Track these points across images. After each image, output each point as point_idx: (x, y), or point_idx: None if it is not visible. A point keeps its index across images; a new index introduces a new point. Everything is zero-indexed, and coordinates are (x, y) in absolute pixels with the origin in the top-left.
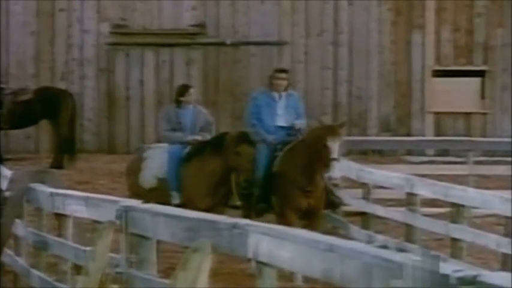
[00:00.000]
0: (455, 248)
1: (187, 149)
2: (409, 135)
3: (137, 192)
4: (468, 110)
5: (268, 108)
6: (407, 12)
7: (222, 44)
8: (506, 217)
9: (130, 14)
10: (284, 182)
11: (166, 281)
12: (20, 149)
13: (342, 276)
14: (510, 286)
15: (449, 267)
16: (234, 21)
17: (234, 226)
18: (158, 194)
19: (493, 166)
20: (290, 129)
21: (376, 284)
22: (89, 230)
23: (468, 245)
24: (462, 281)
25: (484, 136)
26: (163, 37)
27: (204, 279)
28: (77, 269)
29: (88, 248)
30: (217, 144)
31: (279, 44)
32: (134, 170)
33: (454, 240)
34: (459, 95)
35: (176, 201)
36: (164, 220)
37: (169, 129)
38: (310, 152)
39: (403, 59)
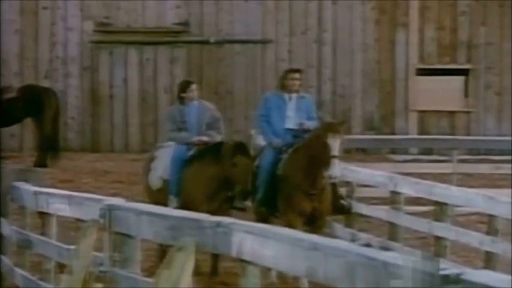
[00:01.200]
0: (438, 246)
1: (192, 151)
2: (393, 133)
3: (148, 192)
4: (452, 109)
5: (278, 110)
6: (391, 10)
7: (206, 42)
8: (490, 215)
9: (114, 12)
10: (287, 185)
11: (150, 280)
12: (4, 147)
13: (325, 275)
14: (496, 285)
15: (433, 266)
16: (217, 19)
17: (218, 225)
18: (165, 195)
19: (476, 164)
20: (297, 130)
21: (359, 282)
22: (72, 228)
23: (451, 243)
24: (446, 279)
25: (467, 134)
26: (147, 35)
27: (187, 278)
28: (61, 267)
29: (72, 247)
30: (216, 153)
31: (263, 42)
32: (145, 170)
33: (438, 238)
34: (443, 93)
35: (173, 205)
36: (148, 219)
37: (174, 129)
38: (312, 152)
39: (387, 58)
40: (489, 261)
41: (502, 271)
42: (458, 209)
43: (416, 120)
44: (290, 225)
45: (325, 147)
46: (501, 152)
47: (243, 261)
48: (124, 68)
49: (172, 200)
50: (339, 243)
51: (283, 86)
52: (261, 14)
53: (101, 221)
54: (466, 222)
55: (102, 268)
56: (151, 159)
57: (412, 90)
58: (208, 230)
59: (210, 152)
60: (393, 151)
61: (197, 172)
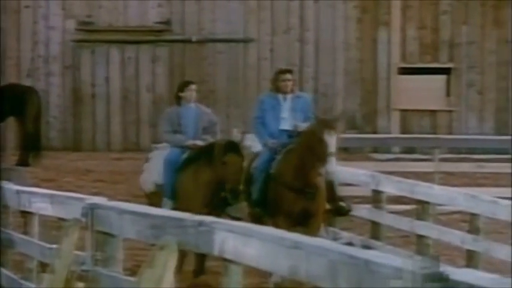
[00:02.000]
0: (420, 244)
1: (186, 155)
2: (375, 132)
3: (143, 193)
4: (434, 108)
5: (273, 111)
6: (373, 9)
7: (188, 41)
8: (472, 214)
9: (96, 11)
10: (277, 185)
11: (132, 279)
12: None
13: (307, 273)
14: (478, 283)
15: (416, 265)
16: (199, 18)
17: (200, 223)
18: (159, 198)
19: (458, 163)
20: (292, 132)
21: (341, 280)
22: (54, 227)
23: (434, 242)
24: (428, 277)
25: (449, 133)
26: (129, 34)
27: (169, 277)
28: (43, 266)
29: (54, 246)
30: (209, 155)
31: (245, 41)
32: (141, 171)
33: (420, 237)
34: (425, 92)
35: (167, 207)
36: (130, 218)
37: (170, 131)
38: (305, 150)
39: (369, 57)
40: (471, 259)
41: (484, 269)
42: (440, 207)
43: (398, 119)
44: (276, 225)
45: (321, 144)
46: (483, 151)
47: (225, 260)
48: (106, 66)
49: (167, 202)
50: (321, 242)
51: (277, 88)
52: (243, 12)
53: (83, 220)
54: (448, 220)
55: (84, 267)
56: (146, 160)
57: (394, 89)
58: (191, 229)
59: (204, 154)
60: (375, 150)
61: (193, 177)
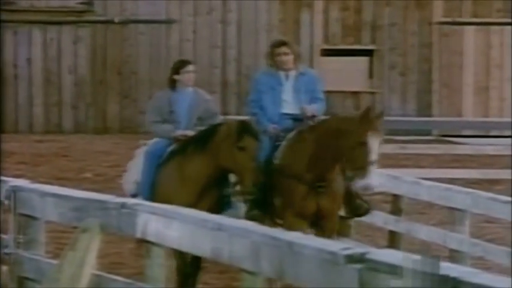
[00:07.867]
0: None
1: (172, 147)
2: None
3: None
4: (356, 89)
5: (272, 92)
6: None
7: (110, 22)
8: (394, 195)
9: None
10: (286, 178)
11: (55, 261)
12: None
13: (230, 255)
14: (399, 263)
15: (337, 246)
16: None
17: (123, 206)
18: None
19: (381, 144)
20: (298, 116)
21: (264, 262)
22: None
23: (356, 223)
24: (350, 258)
25: None
26: (51, 15)
27: (92, 259)
28: None
29: None
30: (205, 140)
31: (168, 22)
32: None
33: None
34: (347, 74)
35: None
36: (52, 200)
37: (159, 120)
38: (328, 143)
39: (292, 38)
40: (393, 240)
41: (405, 250)
42: None
43: None
44: (290, 228)
45: (362, 149)
46: (405, 132)
47: (147, 242)
48: (28, 47)
49: None
50: (243, 224)
51: (275, 64)
52: None
53: (6, 202)
54: (370, 201)
55: (6, 250)
56: (131, 157)
57: (317, 71)
58: (113, 211)
59: (197, 140)
60: None
61: (177, 170)
